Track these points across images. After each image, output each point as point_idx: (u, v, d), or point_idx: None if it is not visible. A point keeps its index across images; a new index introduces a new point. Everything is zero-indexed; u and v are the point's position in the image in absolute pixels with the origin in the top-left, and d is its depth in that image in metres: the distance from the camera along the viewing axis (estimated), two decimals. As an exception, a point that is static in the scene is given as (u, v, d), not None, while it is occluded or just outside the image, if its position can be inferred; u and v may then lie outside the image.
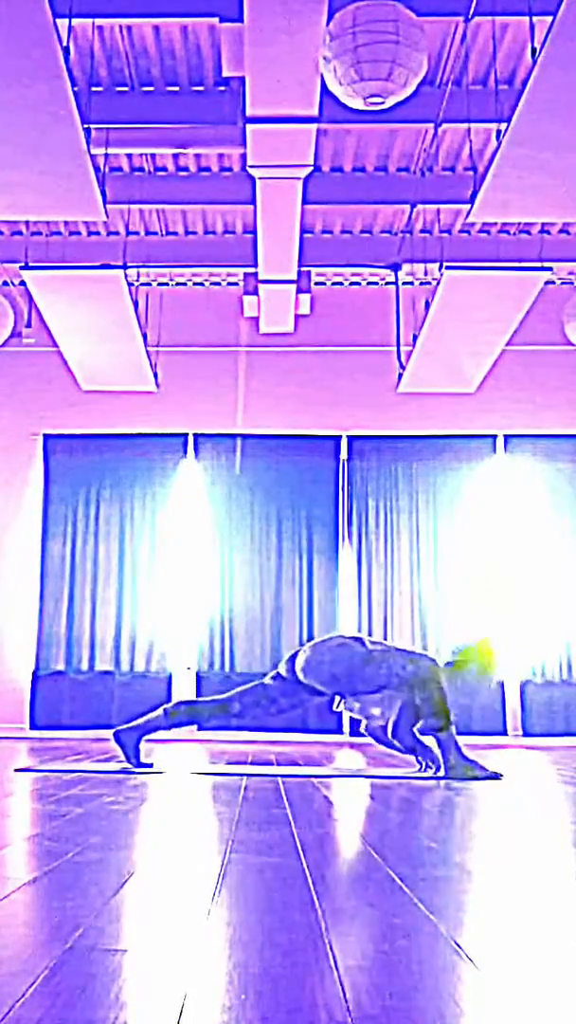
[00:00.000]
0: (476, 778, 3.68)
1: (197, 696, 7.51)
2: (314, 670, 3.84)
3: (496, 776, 3.74)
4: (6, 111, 3.83)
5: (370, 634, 7.59)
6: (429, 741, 3.98)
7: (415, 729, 3.90)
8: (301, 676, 3.88)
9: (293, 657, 3.98)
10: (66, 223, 7.19)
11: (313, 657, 3.86)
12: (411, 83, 4.08)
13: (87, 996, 0.93)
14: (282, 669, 4.01)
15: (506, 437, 7.91)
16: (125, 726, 3.97)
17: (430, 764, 3.92)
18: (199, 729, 7.40)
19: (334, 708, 4.04)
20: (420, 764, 3.96)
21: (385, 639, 7.08)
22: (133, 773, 3.83)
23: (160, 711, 3.96)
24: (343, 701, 3.98)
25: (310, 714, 7.37)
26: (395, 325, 7.76)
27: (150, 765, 4.03)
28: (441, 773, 3.76)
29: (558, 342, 7.85)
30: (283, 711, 4.00)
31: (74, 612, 7.68)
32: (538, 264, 6.02)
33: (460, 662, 3.99)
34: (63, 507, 7.82)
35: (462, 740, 7.19)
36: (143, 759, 4.25)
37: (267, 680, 4.03)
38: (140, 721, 3.97)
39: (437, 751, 3.81)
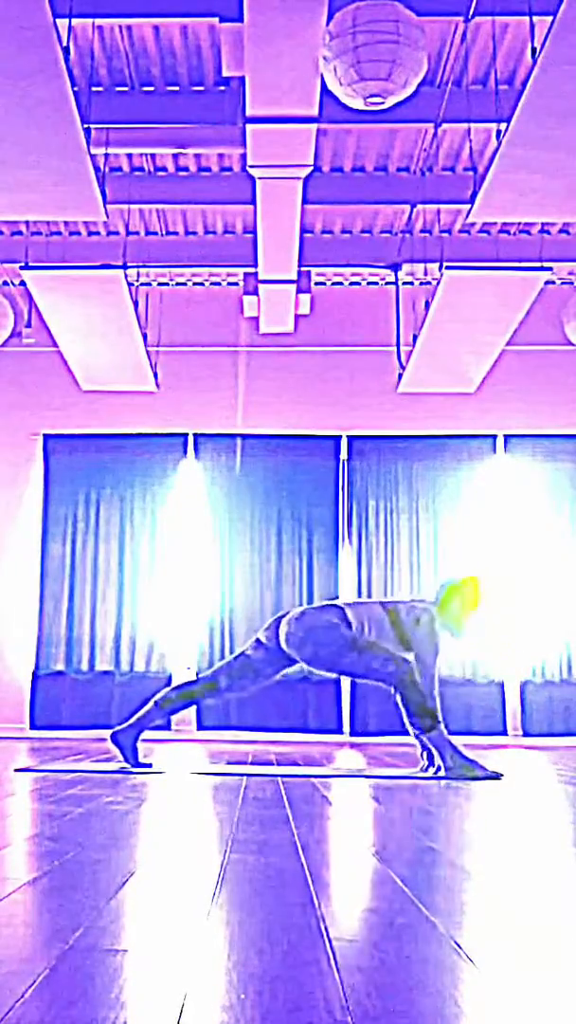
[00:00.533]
0: (476, 778, 3.68)
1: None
2: (295, 645, 3.84)
3: (496, 776, 3.73)
4: (6, 111, 3.83)
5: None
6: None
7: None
8: (284, 646, 3.89)
9: (277, 623, 3.97)
10: (66, 223, 7.19)
11: (296, 632, 3.84)
12: (411, 83, 4.08)
13: (87, 996, 0.93)
14: (263, 635, 3.99)
15: (506, 437, 7.91)
16: (121, 726, 3.96)
17: (431, 764, 3.92)
18: (199, 729, 7.42)
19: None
20: (423, 763, 3.96)
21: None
22: (132, 773, 3.83)
23: (151, 704, 3.96)
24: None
25: (310, 714, 7.37)
26: (395, 325, 7.76)
27: (149, 765, 4.03)
28: (441, 773, 3.76)
29: (558, 342, 7.85)
30: (268, 678, 4.01)
31: (74, 612, 7.68)
32: (538, 264, 6.02)
33: (445, 599, 4.02)
34: (63, 507, 7.82)
35: (462, 740, 7.20)
36: (141, 759, 4.25)
37: (248, 650, 4.02)
38: (135, 718, 3.96)
39: (434, 751, 3.80)
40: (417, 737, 3.88)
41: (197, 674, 7.56)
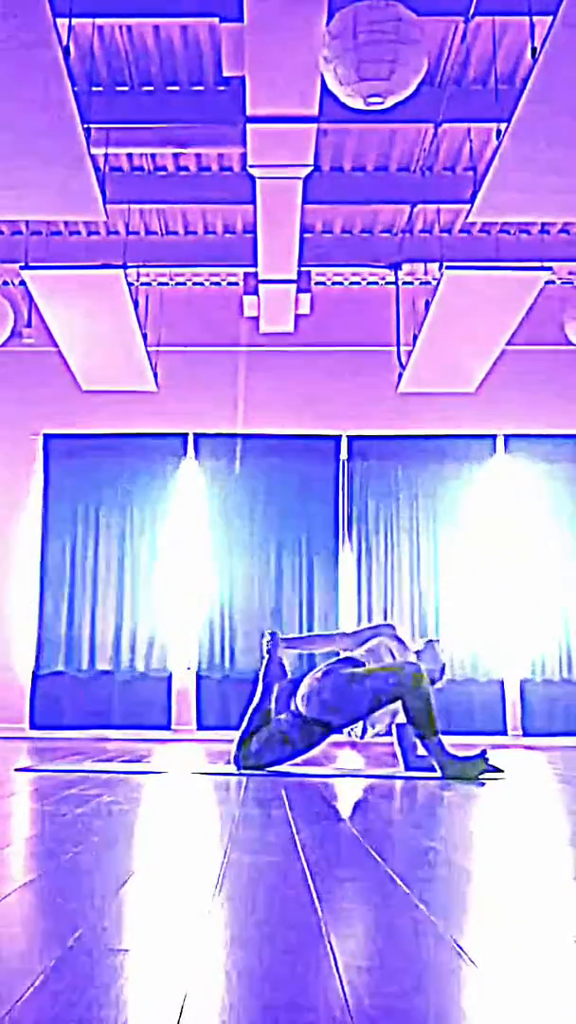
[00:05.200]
0: (481, 772, 3.65)
1: (198, 697, 7.51)
2: (310, 704, 3.72)
3: (495, 768, 3.72)
4: (6, 111, 3.83)
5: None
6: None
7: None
8: (303, 711, 3.74)
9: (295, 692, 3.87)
10: (66, 223, 7.19)
11: (305, 691, 3.75)
12: (411, 83, 4.08)
13: (87, 996, 0.93)
14: (294, 705, 3.85)
15: (506, 437, 7.91)
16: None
17: (408, 767, 3.94)
18: (199, 729, 7.42)
19: (364, 738, 3.93)
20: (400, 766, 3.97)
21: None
22: (134, 773, 3.83)
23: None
24: (359, 727, 3.86)
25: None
26: (395, 325, 7.76)
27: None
28: (438, 774, 3.75)
29: (558, 342, 7.85)
30: (300, 752, 3.78)
31: (74, 612, 7.68)
32: (538, 264, 6.02)
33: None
34: (63, 507, 7.82)
35: (461, 739, 7.20)
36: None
37: (282, 717, 3.84)
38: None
39: (429, 755, 3.78)
40: (400, 740, 3.88)
41: (197, 673, 7.54)
